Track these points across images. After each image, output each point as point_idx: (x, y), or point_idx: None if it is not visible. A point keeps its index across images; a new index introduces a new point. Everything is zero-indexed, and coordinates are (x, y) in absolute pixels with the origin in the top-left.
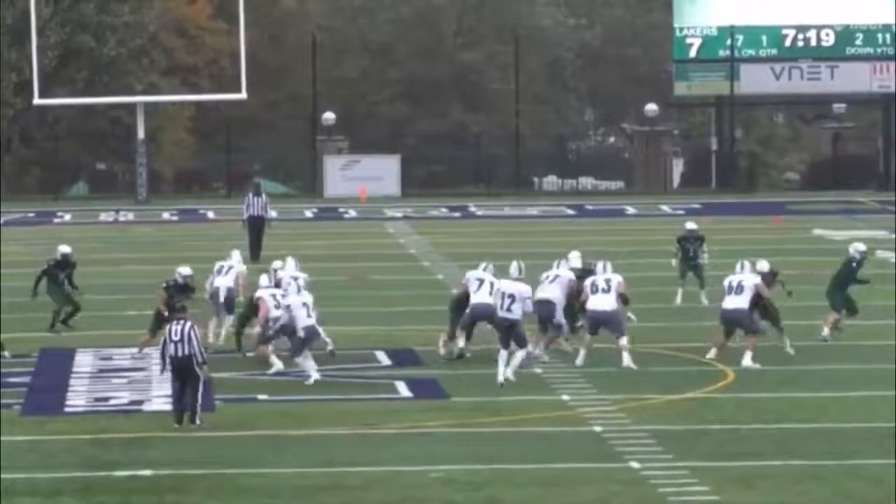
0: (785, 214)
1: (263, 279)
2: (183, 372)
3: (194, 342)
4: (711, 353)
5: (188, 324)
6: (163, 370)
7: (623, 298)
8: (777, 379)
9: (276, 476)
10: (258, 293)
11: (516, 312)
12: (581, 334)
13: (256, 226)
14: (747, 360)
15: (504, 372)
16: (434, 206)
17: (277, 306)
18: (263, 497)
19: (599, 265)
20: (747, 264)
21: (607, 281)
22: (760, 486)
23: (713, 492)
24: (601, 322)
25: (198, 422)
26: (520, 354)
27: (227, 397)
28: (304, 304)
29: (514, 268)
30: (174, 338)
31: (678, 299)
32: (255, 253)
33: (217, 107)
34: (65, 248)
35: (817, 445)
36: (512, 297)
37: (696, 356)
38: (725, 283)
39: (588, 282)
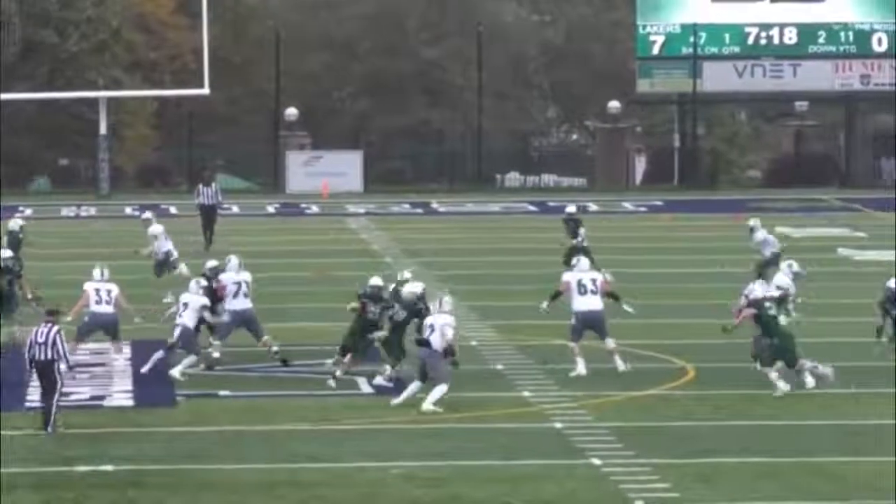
0: (747, 212)
1: (193, 286)
2: (42, 375)
3: (59, 346)
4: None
5: (55, 328)
6: (28, 372)
7: (612, 295)
8: (737, 376)
9: (237, 471)
10: (85, 285)
11: (435, 343)
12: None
13: (208, 214)
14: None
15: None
16: (396, 201)
17: (99, 301)
18: (224, 492)
19: (584, 262)
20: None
21: (593, 280)
22: (720, 482)
23: (673, 488)
24: (590, 323)
25: (49, 430)
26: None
27: (189, 393)
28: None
29: (444, 301)
30: (39, 340)
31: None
32: (208, 240)
33: (179, 102)
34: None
35: (776, 442)
36: (432, 327)
37: (655, 353)
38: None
39: (574, 281)
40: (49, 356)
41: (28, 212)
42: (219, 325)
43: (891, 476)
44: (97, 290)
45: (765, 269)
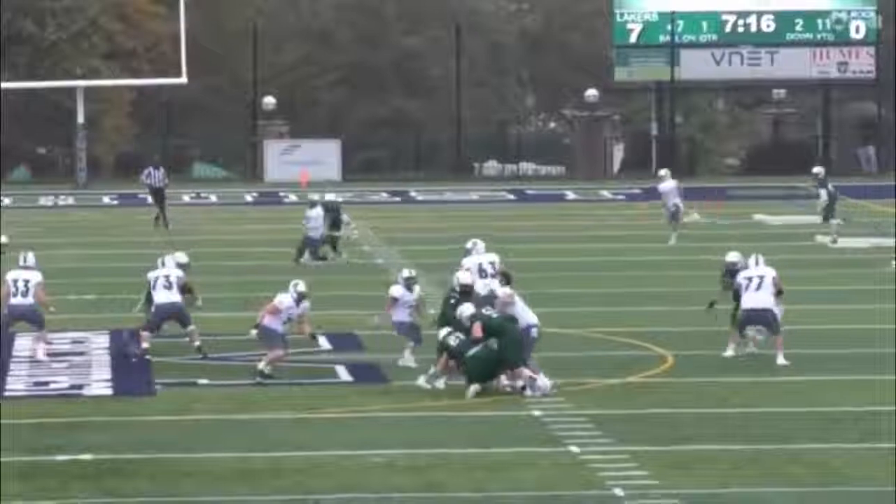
0: (725, 200)
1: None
2: None
3: None
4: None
5: None
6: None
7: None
8: (716, 363)
9: (218, 461)
10: (7, 274)
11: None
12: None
13: (158, 196)
14: (781, 359)
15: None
16: (374, 190)
17: (16, 292)
18: (205, 481)
19: (751, 260)
20: (761, 258)
21: (761, 277)
22: (699, 470)
23: (653, 476)
24: (756, 320)
25: None
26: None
27: (168, 381)
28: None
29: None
30: None
31: None
32: (164, 221)
33: (157, 91)
34: None
35: (756, 430)
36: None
37: (634, 341)
38: (740, 279)
39: (742, 278)
40: None
41: (6, 201)
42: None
43: (869, 463)
44: (15, 281)
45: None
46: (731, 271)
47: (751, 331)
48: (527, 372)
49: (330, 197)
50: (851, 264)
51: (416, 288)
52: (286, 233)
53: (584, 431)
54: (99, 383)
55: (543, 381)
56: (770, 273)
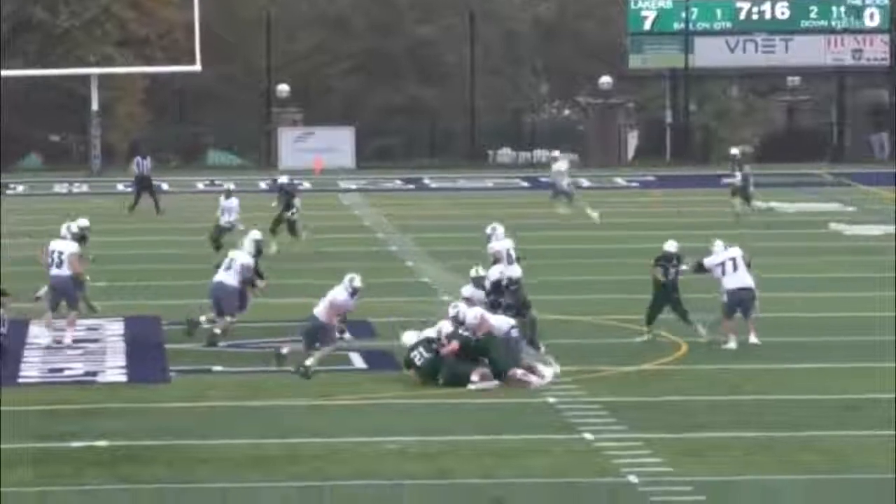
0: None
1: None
2: None
3: None
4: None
5: None
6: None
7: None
8: (729, 351)
9: (232, 447)
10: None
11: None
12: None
13: (144, 184)
14: (755, 338)
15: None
16: (388, 178)
17: (52, 264)
18: (219, 467)
19: (717, 245)
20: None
21: (733, 258)
22: (713, 457)
23: (667, 463)
24: (744, 297)
25: None
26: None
27: (182, 368)
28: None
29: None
30: None
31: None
32: (156, 206)
33: (171, 79)
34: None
35: (769, 417)
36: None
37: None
38: (714, 262)
39: (718, 262)
40: None
41: (20, 188)
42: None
43: (884, 450)
44: (52, 252)
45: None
46: (667, 257)
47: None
48: (519, 372)
49: (284, 180)
50: (864, 251)
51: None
52: (301, 220)
53: (598, 418)
54: (113, 370)
55: (546, 369)
56: (738, 251)
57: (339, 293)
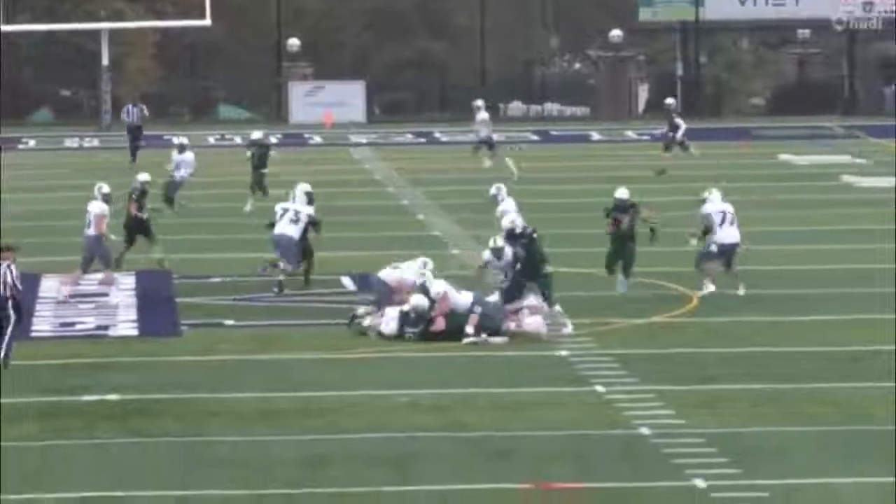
0: (751, 140)
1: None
2: None
3: (9, 281)
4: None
5: (5, 263)
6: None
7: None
8: (739, 304)
9: (243, 401)
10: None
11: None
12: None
13: (133, 132)
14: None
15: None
16: (399, 132)
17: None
18: (231, 421)
19: (715, 193)
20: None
21: (729, 212)
22: (722, 409)
23: (678, 415)
24: (728, 254)
25: (6, 365)
26: None
27: (194, 322)
28: None
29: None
30: None
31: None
32: (133, 155)
33: (181, 34)
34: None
35: (777, 369)
36: None
37: (659, 281)
38: (712, 211)
39: (713, 212)
40: (2, 293)
41: (31, 143)
42: None
43: (887, 401)
44: (86, 213)
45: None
46: (620, 206)
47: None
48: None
49: (258, 135)
50: (877, 203)
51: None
52: (311, 174)
53: (610, 371)
54: (125, 324)
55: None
56: (730, 207)
57: (410, 273)
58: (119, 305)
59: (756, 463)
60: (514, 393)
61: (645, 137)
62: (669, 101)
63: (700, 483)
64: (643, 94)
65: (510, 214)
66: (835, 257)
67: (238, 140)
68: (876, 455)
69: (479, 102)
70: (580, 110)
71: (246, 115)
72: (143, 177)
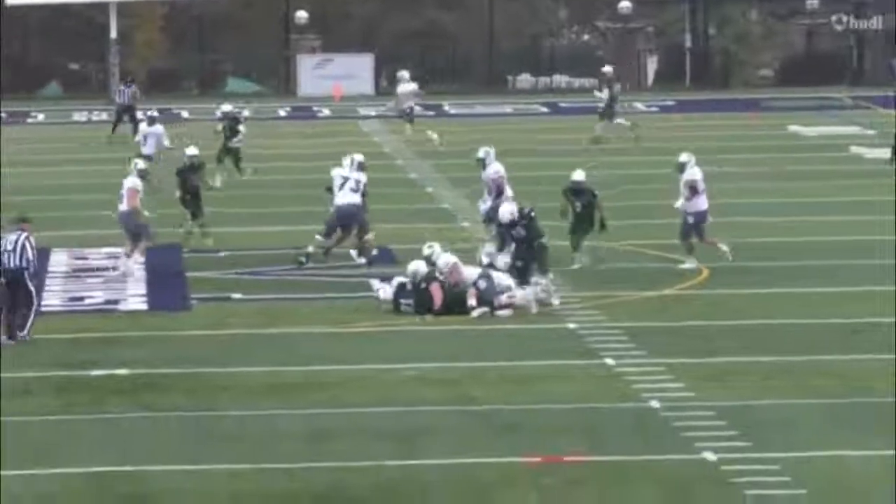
0: (759, 111)
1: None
2: (13, 284)
3: (28, 253)
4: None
5: (24, 234)
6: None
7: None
8: (748, 276)
9: (252, 374)
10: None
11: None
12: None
13: (123, 113)
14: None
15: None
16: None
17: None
18: (240, 395)
19: (692, 157)
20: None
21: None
22: (732, 381)
23: (687, 388)
24: (703, 224)
25: (24, 336)
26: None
27: (202, 296)
28: None
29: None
30: (7, 247)
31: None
32: (112, 128)
33: (189, 6)
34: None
35: (786, 342)
36: None
37: (667, 253)
38: (698, 178)
39: (699, 178)
40: (18, 263)
41: (40, 117)
42: None
43: (887, 373)
44: (120, 188)
45: None
46: (575, 189)
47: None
48: (503, 297)
49: (227, 108)
50: (885, 175)
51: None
52: (320, 147)
53: (619, 344)
54: (134, 298)
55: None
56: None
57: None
58: (128, 279)
59: (765, 436)
60: (522, 366)
61: (654, 109)
62: (607, 69)
63: (710, 456)
64: (652, 65)
65: (506, 205)
66: (844, 229)
67: (247, 113)
68: (876, 427)
69: (404, 73)
70: (589, 82)
71: (254, 88)
72: (192, 150)
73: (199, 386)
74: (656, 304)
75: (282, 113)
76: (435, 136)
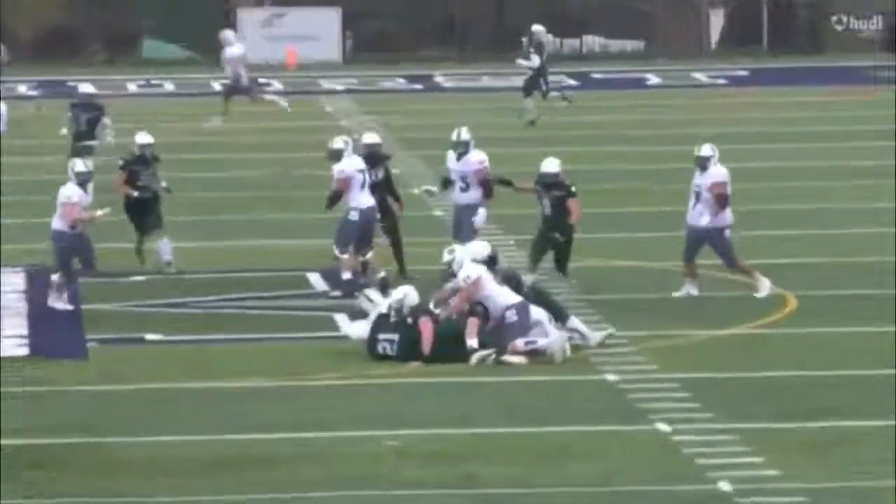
0: (860, 84)
1: None
2: None
3: None
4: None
5: None
6: None
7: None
8: (853, 305)
9: (170, 446)
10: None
11: None
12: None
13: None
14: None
15: None
16: (387, 75)
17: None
18: (153, 476)
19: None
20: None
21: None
22: (837, 455)
23: (771, 463)
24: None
25: None
26: None
27: (105, 337)
28: None
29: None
30: None
31: None
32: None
33: None
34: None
35: None
36: None
37: (738, 277)
38: (727, 180)
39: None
40: None
41: None
42: None
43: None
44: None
45: None
46: (545, 182)
47: None
48: (520, 343)
49: (87, 88)
50: None
51: None
52: (270, 133)
53: (676, 402)
54: (9, 340)
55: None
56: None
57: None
58: (3, 315)
59: None
60: (542, 434)
61: (720, 81)
62: (536, 27)
63: None
64: (717, 23)
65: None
66: None
67: (170, 87)
68: None
69: (229, 33)
70: (632, 45)
71: (179, 54)
72: (144, 138)
73: (98, 462)
74: (728, 346)
75: (217, 87)
76: (284, 102)
